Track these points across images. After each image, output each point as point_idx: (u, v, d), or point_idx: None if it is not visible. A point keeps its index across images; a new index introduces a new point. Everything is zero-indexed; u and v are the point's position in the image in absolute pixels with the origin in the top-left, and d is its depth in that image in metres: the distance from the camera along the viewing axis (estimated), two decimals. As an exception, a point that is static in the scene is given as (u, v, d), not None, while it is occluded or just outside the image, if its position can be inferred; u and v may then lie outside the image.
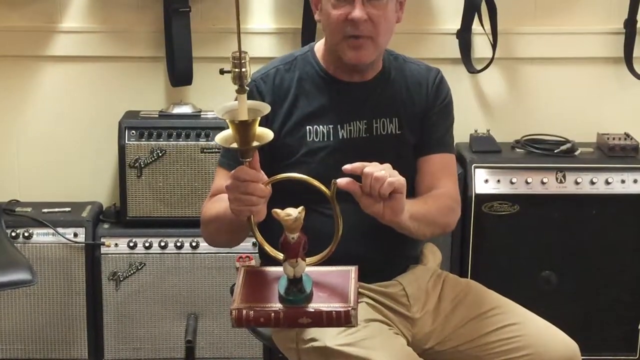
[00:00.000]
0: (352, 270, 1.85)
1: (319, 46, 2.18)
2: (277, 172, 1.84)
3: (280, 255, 1.78)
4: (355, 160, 2.02)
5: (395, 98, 2.16)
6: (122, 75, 3.27)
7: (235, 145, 1.74)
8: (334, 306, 1.75)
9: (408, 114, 2.16)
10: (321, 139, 2.09)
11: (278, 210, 1.73)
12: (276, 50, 3.19)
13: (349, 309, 1.75)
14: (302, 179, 1.80)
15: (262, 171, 1.80)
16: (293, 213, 1.71)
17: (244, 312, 1.76)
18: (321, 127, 2.10)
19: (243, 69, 1.68)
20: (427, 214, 2.05)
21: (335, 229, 1.79)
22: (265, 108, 1.75)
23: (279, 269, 1.81)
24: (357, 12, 2.00)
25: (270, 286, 1.81)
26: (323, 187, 1.78)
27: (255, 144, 1.73)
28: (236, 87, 1.69)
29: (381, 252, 2.08)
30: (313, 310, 1.75)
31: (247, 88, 1.70)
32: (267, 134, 1.76)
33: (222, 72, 1.77)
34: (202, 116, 3.13)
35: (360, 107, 2.13)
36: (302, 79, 2.12)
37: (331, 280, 1.82)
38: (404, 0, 2.13)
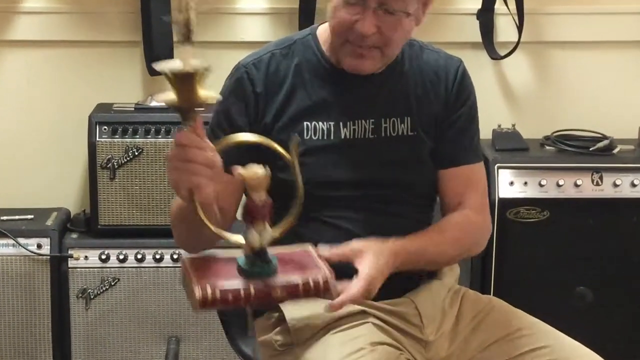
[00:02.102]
0: (310, 248, 1.87)
1: (322, 30, 2.12)
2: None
3: (233, 237, 1.77)
4: (361, 164, 2.09)
5: (408, 94, 2.13)
6: (93, 62, 3.29)
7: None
8: (311, 276, 1.77)
9: (422, 112, 2.13)
10: (320, 137, 2.06)
11: (240, 168, 1.72)
12: (270, 33, 3.20)
13: (327, 278, 1.77)
14: (259, 141, 1.79)
15: (208, 140, 1.75)
16: (259, 170, 1.72)
17: (209, 290, 1.70)
18: (320, 123, 2.06)
19: (188, 15, 1.66)
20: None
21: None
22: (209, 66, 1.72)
23: (226, 251, 1.80)
24: (365, 25, 1.95)
25: (225, 266, 1.79)
26: (283, 152, 1.78)
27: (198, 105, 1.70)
28: (179, 36, 1.67)
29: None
30: (286, 282, 1.76)
31: (193, 40, 1.66)
32: (213, 95, 1.71)
33: (162, 20, 1.73)
34: (184, 109, 3.14)
35: (367, 104, 2.10)
36: (301, 67, 2.09)
37: (293, 258, 1.84)
38: (428, 1, 2.04)
